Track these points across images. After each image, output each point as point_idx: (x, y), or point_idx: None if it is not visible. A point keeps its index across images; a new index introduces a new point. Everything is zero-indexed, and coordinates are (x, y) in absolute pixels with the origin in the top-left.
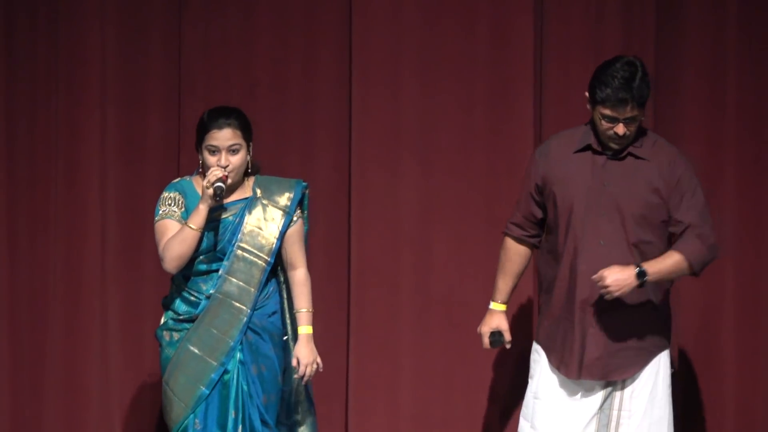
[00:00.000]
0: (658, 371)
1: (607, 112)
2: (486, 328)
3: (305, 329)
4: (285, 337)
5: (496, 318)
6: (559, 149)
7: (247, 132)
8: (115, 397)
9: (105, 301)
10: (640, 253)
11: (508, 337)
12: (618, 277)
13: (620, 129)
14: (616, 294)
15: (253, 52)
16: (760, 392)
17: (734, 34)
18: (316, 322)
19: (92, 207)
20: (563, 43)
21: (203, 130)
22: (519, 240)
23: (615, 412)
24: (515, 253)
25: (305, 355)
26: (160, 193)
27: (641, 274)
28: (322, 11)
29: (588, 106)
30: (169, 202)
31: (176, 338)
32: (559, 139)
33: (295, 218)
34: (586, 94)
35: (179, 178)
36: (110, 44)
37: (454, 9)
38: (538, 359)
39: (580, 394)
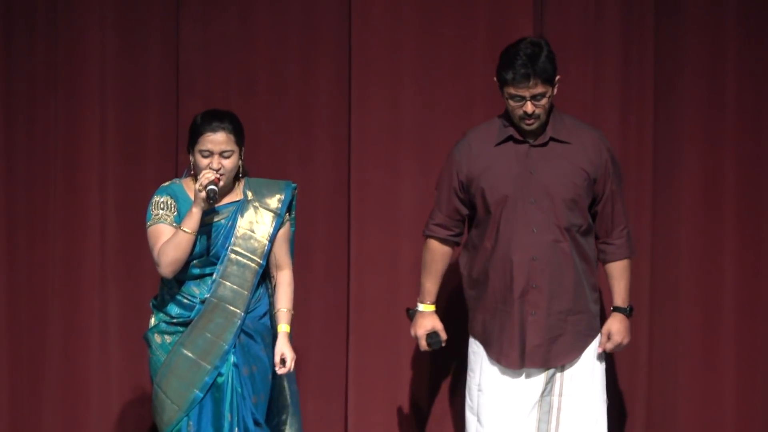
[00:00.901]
0: (595, 354)
1: (512, 90)
2: (421, 331)
3: (285, 327)
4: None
5: (429, 319)
6: (480, 144)
7: (240, 136)
8: (115, 394)
9: (104, 299)
10: (571, 237)
11: (444, 336)
12: (620, 329)
13: (528, 107)
14: (627, 342)
15: (251, 51)
16: (759, 390)
17: (733, 32)
18: (315, 322)
19: (91, 205)
20: (562, 41)
21: (196, 132)
22: (443, 241)
23: (556, 398)
24: (440, 254)
25: (289, 350)
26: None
27: (630, 312)
28: (321, 10)
29: (502, 94)
30: (162, 206)
31: (168, 341)
32: (477, 134)
33: (284, 220)
34: (495, 79)
35: (169, 182)
36: (109, 43)
37: (453, 8)
38: (477, 351)
39: (521, 384)
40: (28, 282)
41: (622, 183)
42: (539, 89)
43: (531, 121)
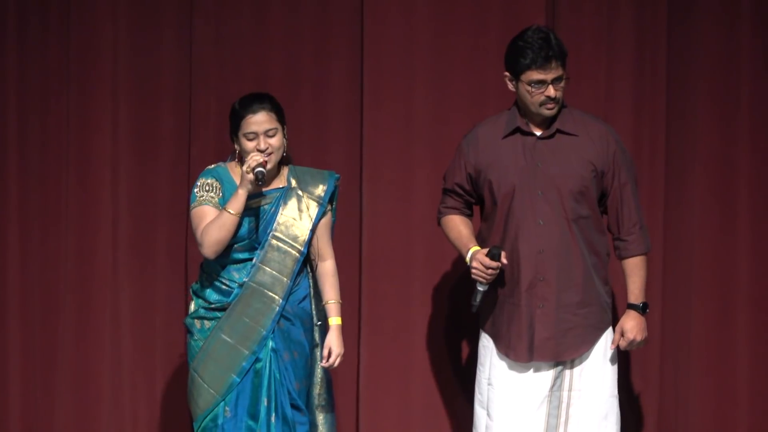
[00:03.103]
0: (606, 348)
1: (535, 75)
2: (475, 262)
3: (336, 320)
4: (319, 323)
5: (482, 251)
6: (487, 136)
7: (281, 114)
8: (127, 389)
9: (117, 294)
10: (579, 229)
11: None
12: (635, 325)
13: (551, 91)
14: (644, 338)
15: (264, 46)
16: None
17: (747, 27)
18: None
19: (104, 200)
20: (575, 37)
21: (238, 118)
22: (458, 212)
23: (566, 393)
24: (460, 220)
25: (337, 345)
26: (172, 185)
27: (645, 308)
28: (334, 5)
29: (510, 87)
30: (207, 188)
31: (207, 326)
32: (485, 127)
33: (326, 210)
34: (506, 74)
35: (215, 165)
36: (122, 38)
37: (465, 2)
38: (487, 345)
39: (531, 378)
40: (40, 276)
41: (635, 179)
42: (558, 71)
43: (552, 105)
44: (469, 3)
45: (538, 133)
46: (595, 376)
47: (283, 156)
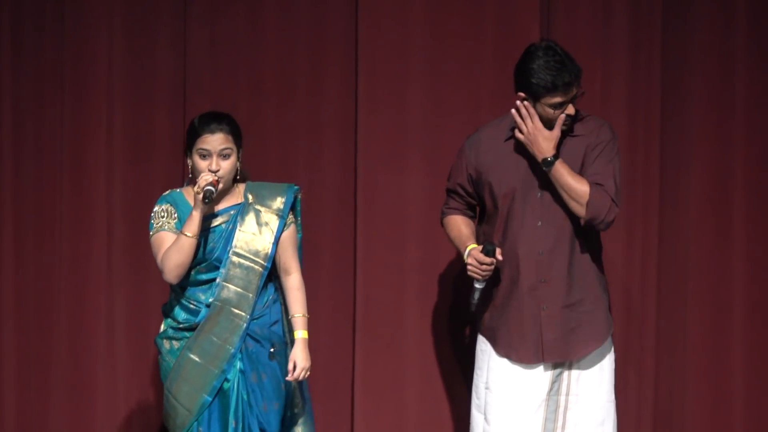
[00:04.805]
0: (603, 353)
1: (558, 99)
2: (470, 259)
3: (302, 333)
4: (272, 350)
5: (476, 249)
6: (489, 138)
7: (238, 138)
8: (121, 396)
9: (111, 301)
10: (578, 230)
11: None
12: (544, 138)
13: (571, 109)
14: (522, 137)
15: (259, 52)
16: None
17: (742, 32)
18: (322, 322)
19: (98, 206)
20: (570, 44)
21: (194, 134)
22: (460, 213)
23: (563, 397)
24: (462, 220)
25: (302, 359)
26: (166, 190)
27: (553, 160)
28: (329, 10)
29: (522, 103)
30: (162, 214)
31: (176, 347)
32: (488, 129)
33: (288, 222)
34: (520, 94)
35: (169, 191)
36: (116, 43)
37: (460, 9)
38: (485, 349)
39: (528, 382)
40: (35, 282)
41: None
42: (575, 90)
43: (570, 121)
44: (463, 10)
45: None
46: (592, 381)
47: (237, 175)
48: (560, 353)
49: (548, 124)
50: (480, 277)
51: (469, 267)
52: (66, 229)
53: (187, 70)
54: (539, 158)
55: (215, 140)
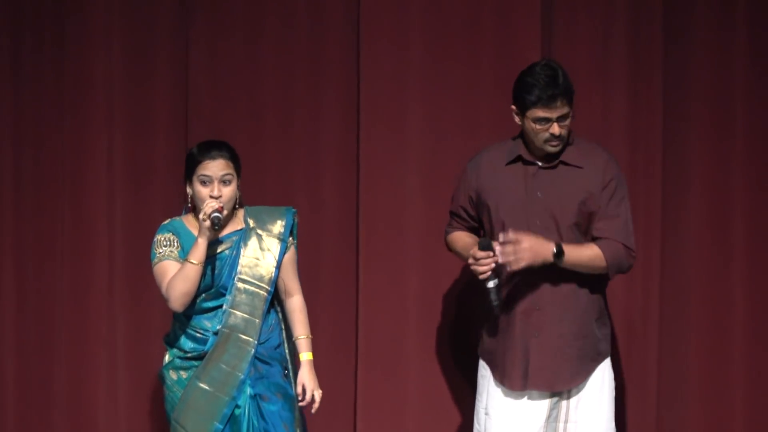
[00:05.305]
0: (603, 379)
1: (540, 113)
2: (472, 250)
3: (307, 355)
4: (286, 372)
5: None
6: (491, 162)
7: (237, 164)
8: (123, 421)
9: (112, 327)
10: None
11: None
12: (535, 245)
13: (555, 129)
14: (524, 263)
15: (259, 76)
16: None
17: (742, 57)
18: (324, 346)
19: (99, 232)
20: (569, 68)
21: (194, 162)
22: (463, 228)
23: (561, 424)
24: (465, 234)
25: (310, 380)
26: (167, 217)
27: (559, 254)
28: (329, 35)
29: (517, 120)
30: (165, 243)
31: (184, 377)
32: (490, 152)
33: (288, 245)
34: (513, 107)
35: (169, 220)
36: (117, 67)
37: (459, 34)
38: (485, 375)
39: (527, 408)
40: (36, 310)
41: (626, 209)
42: (564, 109)
43: (556, 143)
44: (463, 34)
45: (541, 162)
46: (592, 408)
47: (237, 202)
48: (546, 383)
49: (535, 143)
50: (484, 275)
51: (471, 267)
52: (67, 254)
53: (187, 95)
54: (549, 261)
55: (216, 166)
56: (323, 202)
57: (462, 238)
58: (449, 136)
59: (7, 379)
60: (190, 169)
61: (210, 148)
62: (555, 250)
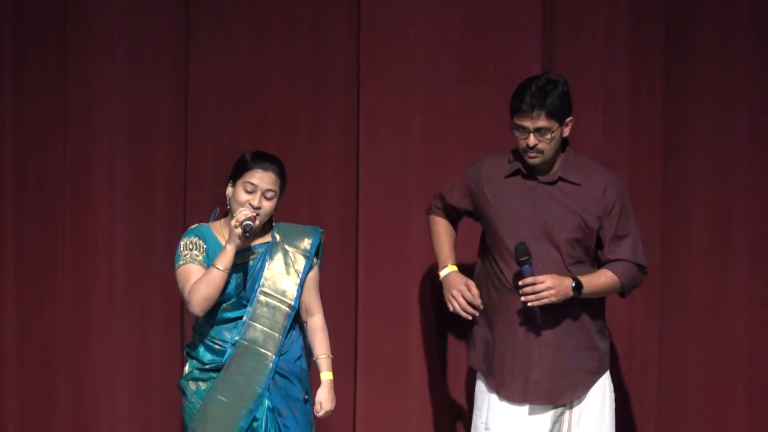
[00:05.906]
0: (604, 392)
1: (517, 121)
2: (455, 290)
3: (327, 375)
4: (306, 397)
5: (458, 277)
6: (492, 172)
7: (284, 182)
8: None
9: (113, 339)
10: (575, 274)
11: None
12: (557, 283)
13: (531, 139)
14: (551, 300)
15: (261, 90)
16: None
17: (744, 71)
18: None
19: (100, 244)
20: (571, 82)
21: (245, 167)
22: (445, 215)
23: None
24: (443, 225)
25: (328, 401)
26: (168, 230)
27: (578, 288)
28: (331, 49)
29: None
30: (191, 246)
31: (203, 388)
32: (491, 161)
33: (313, 264)
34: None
35: (197, 224)
36: (118, 80)
37: (461, 48)
38: (483, 389)
39: (528, 422)
40: (37, 322)
41: (635, 230)
42: (543, 123)
43: (533, 154)
44: (464, 48)
45: (540, 177)
46: (593, 421)
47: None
48: (546, 396)
49: (518, 146)
50: (461, 313)
51: (450, 297)
52: (68, 266)
53: (188, 108)
54: (570, 296)
55: (265, 178)
56: (324, 214)
57: (439, 232)
58: (450, 146)
59: (9, 393)
60: (238, 172)
61: (265, 159)
62: (574, 284)
